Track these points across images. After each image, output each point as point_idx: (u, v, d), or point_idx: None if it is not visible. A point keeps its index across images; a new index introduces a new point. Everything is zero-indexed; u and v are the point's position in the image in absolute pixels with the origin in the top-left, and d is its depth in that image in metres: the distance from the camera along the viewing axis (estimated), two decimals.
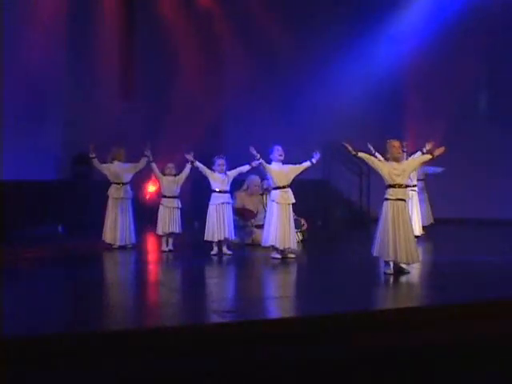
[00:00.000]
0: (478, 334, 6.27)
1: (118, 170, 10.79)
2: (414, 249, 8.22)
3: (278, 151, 9.76)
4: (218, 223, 10.10)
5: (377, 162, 8.38)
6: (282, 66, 15.38)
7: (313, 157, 9.72)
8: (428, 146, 8.84)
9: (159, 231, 10.55)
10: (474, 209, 14.49)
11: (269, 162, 9.77)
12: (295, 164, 9.79)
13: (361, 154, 8.37)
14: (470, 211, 14.44)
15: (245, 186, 11.87)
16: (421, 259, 8.58)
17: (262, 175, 10.71)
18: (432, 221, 13.24)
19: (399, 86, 15.23)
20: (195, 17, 15.42)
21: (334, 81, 14.91)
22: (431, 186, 13.31)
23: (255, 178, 11.72)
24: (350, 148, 8.38)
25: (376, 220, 8.50)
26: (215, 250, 10.21)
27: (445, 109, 14.76)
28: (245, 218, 11.62)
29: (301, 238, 11.57)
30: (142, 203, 13.25)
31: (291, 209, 9.76)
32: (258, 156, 9.65)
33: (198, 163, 10.23)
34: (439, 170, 12.55)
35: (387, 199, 8.21)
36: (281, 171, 9.73)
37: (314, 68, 15.10)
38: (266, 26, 15.12)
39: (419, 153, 9.18)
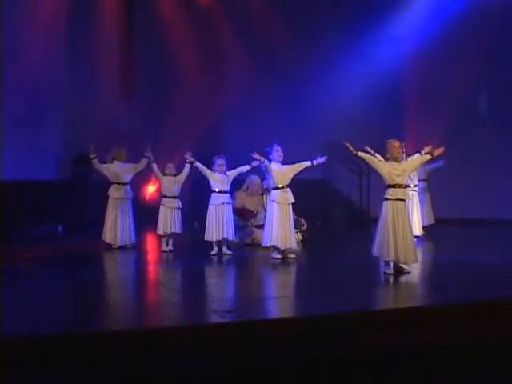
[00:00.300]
0: (477, 334, 6.27)
1: (118, 170, 10.79)
2: (412, 249, 8.23)
3: (277, 151, 9.76)
4: (218, 223, 10.10)
5: (377, 161, 8.38)
6: (282, 66, 15.39)
7: (315, 158, 9.71)
8: (426, 149, 8.86)
9: (160, 231, 10.55)
10: (475, 209, 14.49)
11: (268, 162, 9.77)
12: (294, 164, 9.80)
13: (361, 154, 8.37)
14: (470, 211, 14.44)
15: (245, 186, 11.88)
16: (420, 259, 8.58)
17: (262, 175, 10.70)
18: (433, 221, 13.24)
19: (399, 85, 15.23)
20: (195, 17, 15.43)
21: (334, 81, 14.92)
22: (431, 187, 13.31)
23: (255, 178, 11.72)
24: (350, 147, 8.39)
25: (376, 220, 8.51)
26: (215, 249, 10.21)
27: (445, 109, 14.75)
28: (245, 218, 11.62)
29: (301, 237, 11.57)
30: (142, 203, 13.25)
31: (291, 209, 9.77)
32: (263, 159, 9.64)
33: (197, 163, 10.23)
34: (440, 163, 12.48)
35: (387, 199, 8.22)
36: (280, 171, 9.74)
37: (314, 68, 15.10)
38: (266, 26, 15.13)
39: (418, 154, 9.18)
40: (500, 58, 14.87)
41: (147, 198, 14.01)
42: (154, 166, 10.59)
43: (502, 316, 6.56)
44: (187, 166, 10.42)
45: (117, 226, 10.67)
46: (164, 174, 10.59)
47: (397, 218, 8.13)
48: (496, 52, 14.82)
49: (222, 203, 10.17)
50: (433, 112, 14.85)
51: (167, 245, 10.60)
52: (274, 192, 9.76)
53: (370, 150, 8.44)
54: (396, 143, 8.37)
